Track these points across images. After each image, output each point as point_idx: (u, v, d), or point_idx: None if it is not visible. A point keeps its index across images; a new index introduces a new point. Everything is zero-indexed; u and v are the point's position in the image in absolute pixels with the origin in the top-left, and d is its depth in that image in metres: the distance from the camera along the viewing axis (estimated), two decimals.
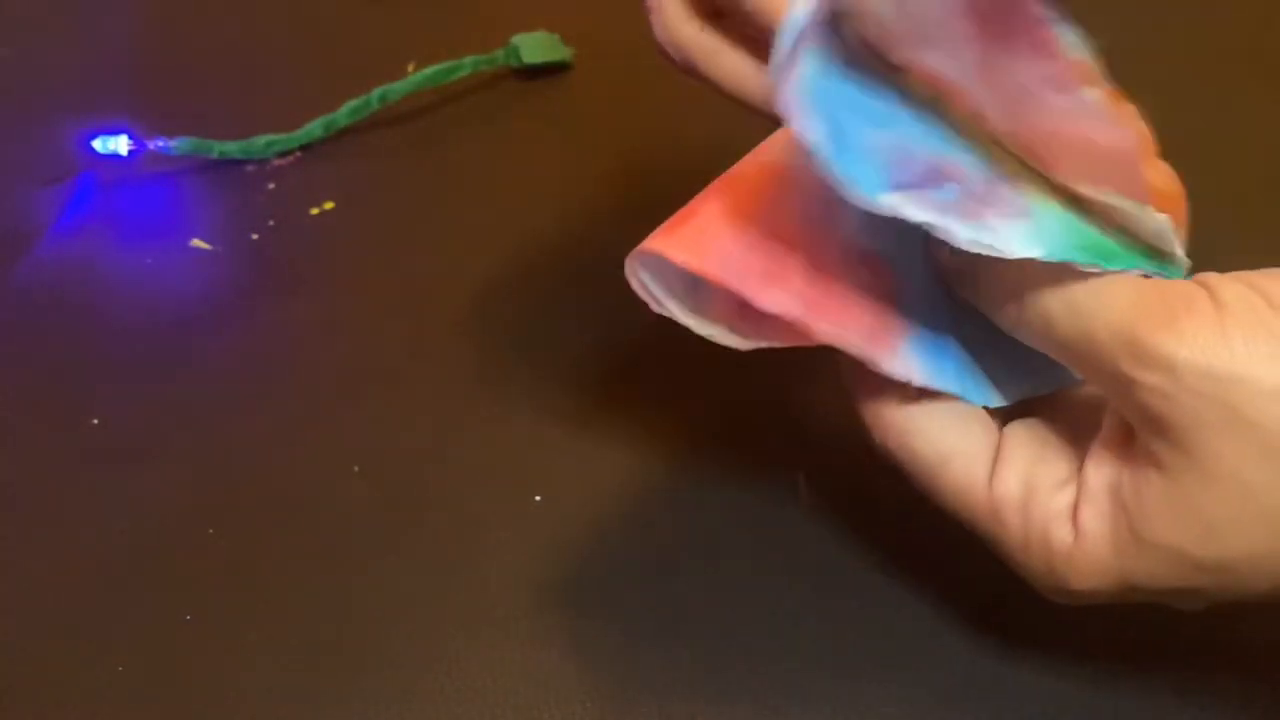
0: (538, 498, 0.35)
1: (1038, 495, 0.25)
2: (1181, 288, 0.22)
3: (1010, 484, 0.25)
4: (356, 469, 0.36)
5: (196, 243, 0.45)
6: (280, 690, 0.31)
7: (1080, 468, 0.25)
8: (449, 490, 0.36)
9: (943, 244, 0.22)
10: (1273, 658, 0.30)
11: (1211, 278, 0.23)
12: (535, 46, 0.54)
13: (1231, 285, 0.22)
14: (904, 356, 0.25)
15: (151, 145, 0.48)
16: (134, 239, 0.46)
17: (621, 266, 0.27)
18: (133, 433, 0.38)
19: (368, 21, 0.59)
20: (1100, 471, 0.24)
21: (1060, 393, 0.28)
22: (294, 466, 0.36)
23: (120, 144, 0.47)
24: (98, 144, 0.47)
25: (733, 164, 0.27)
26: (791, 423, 0.37)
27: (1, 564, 0.34)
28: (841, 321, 0.25)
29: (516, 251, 0.45)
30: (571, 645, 0.31)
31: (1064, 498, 0.24)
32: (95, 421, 0.38)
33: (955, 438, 0.26)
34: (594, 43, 0.55)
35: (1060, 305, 0.23)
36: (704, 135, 0.51)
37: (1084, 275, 0.22)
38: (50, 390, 0.39)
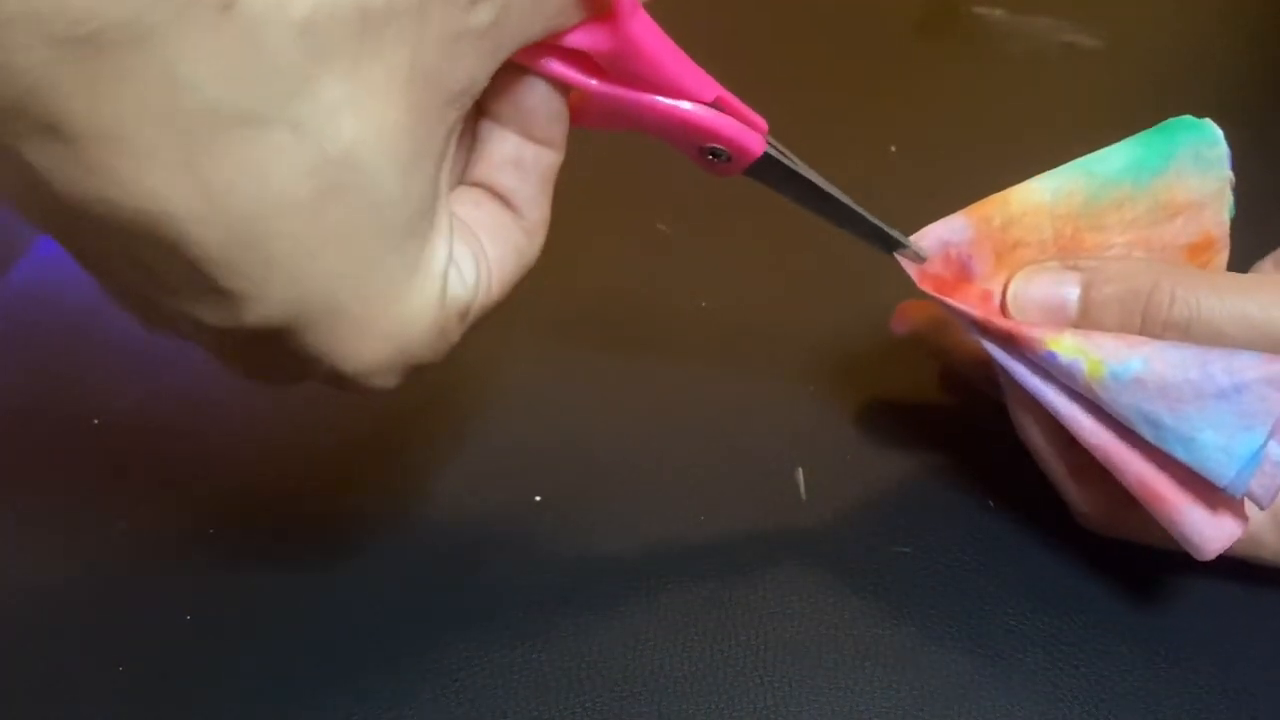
0: (538, 498, 0.35)
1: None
2: None
3: (1259, 514, 0.29)
4: (357, 469, 0.36)
5: None
6: (279, 691, 0.31)
7: None
8: (449, 490, 0.36)
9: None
10: None
11: None
12: None
13: None
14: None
15: None
16: None
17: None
18: (133, 433, 0.38)
19: None
20: None
21: None
22: (294, 466, 0.36)
23: None
24: None
25: None
26: (790, 418, 0.37)
27: (2, 564, 0.34)
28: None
29: None
30: (571, 645, 0.31)
31: None
32: (95, 421, 0.38)
33: None
34: None
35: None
36: None
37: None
38: (50, 391, 0.39)
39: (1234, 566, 0.32)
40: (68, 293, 0.43)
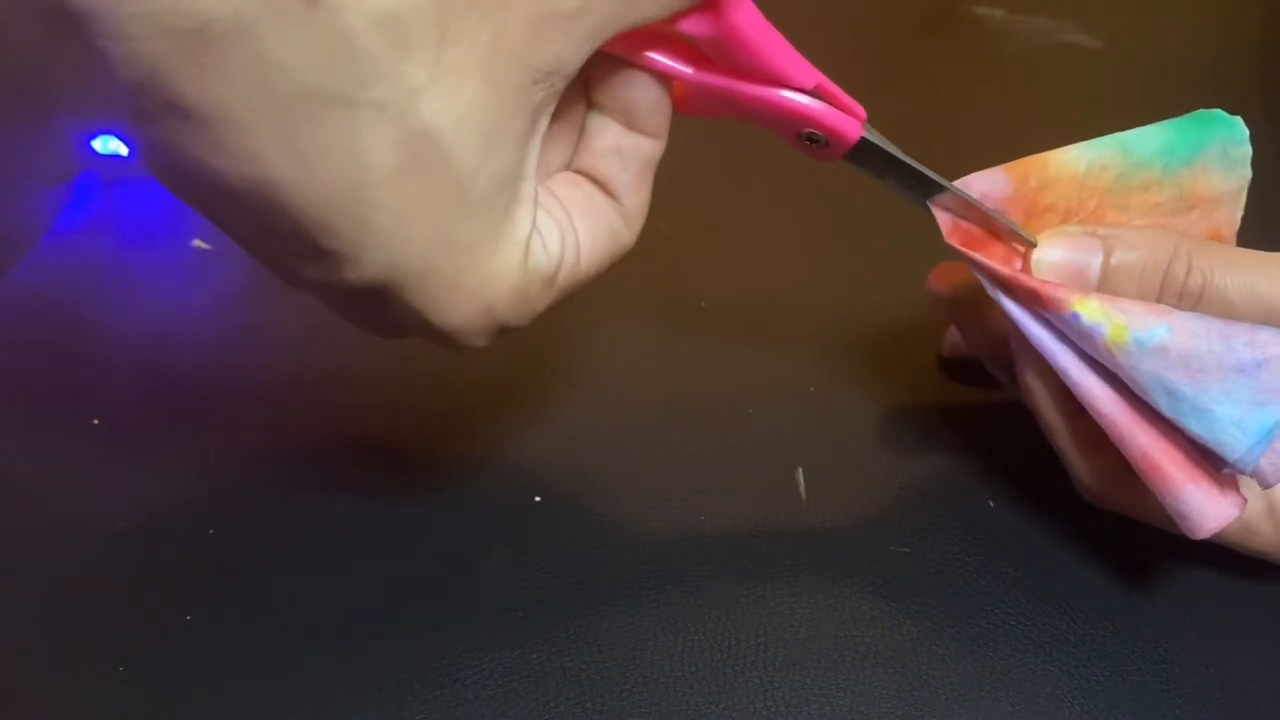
0: (538, 498, 0.35)
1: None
2: None
3: (1254, 502, 0.29)
4: (356, 469, 0.36)
5: (197, 243, 0.45)
6: (279, 691, 0.31)
7: None
8: (449, 490, 0.36)
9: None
10: None
11: None
12: None
13: None
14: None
15: None
16: (135, 239, 0.46)
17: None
18: (133, 433, 0.38)
19: None
20: None
21: None
22: (294, 466, 0.36)
23: (121, 144, 0.47)
24: (98, 144, 0.47)
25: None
26: (790, 418, 0.37)
27: (2, 564, 0.34)
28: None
29: None
30: (572, 645, 0.31)
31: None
32: (95, 421, 0.38)
33: None
34: None
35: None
36: (701, 130, 0.51)
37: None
38: (51, 390, 0.39)
39: (1234, 566, 0.32)
40: (68, 293, 0.43)
